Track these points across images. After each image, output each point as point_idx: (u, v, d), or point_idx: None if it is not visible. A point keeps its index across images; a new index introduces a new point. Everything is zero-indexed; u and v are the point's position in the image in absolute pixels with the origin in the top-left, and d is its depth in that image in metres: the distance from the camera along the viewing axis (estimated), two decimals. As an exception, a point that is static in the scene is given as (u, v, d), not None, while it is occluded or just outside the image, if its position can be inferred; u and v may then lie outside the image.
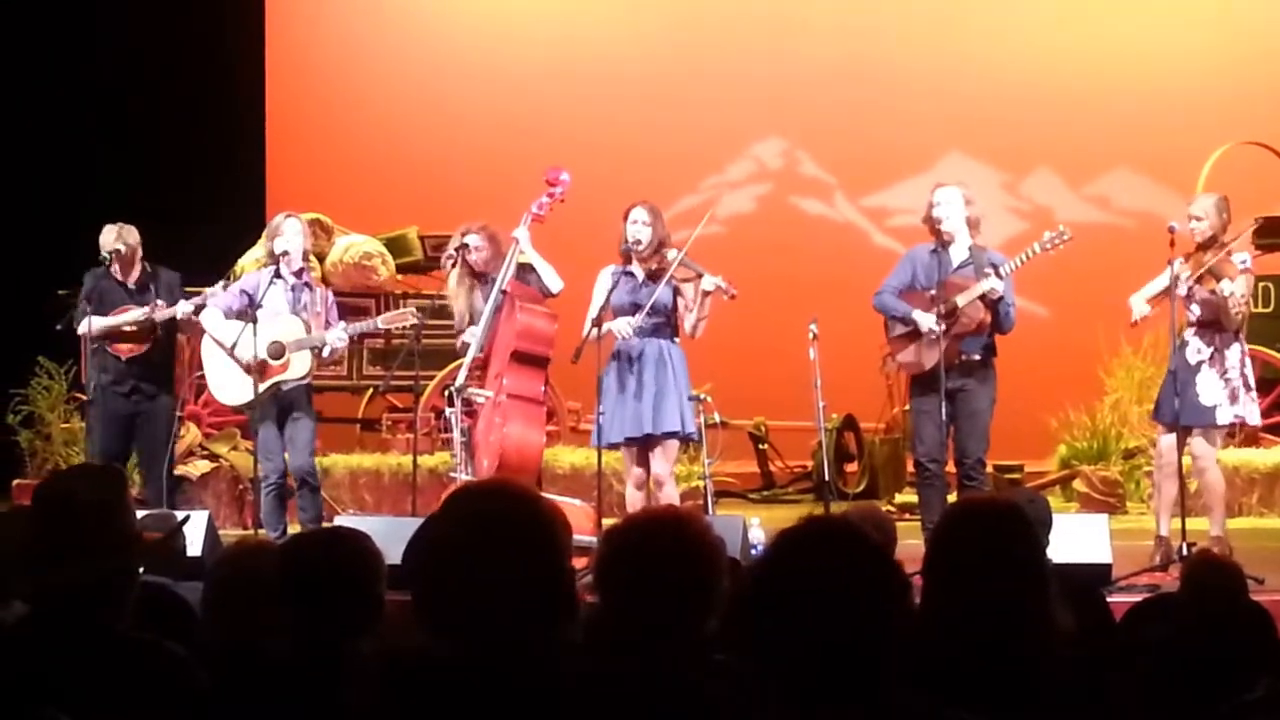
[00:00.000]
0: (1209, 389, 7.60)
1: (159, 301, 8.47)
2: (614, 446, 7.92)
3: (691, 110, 12.84)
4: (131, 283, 8.54)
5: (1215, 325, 7.63)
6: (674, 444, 7.88)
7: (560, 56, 13.01)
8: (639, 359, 7.78)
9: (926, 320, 7.65)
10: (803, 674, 2.31)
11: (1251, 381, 7.75)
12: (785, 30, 12.97)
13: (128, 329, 8.44)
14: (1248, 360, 7.78)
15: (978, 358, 7.72)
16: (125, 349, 8.49)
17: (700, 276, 7.73)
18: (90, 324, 8.34)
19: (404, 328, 8.69)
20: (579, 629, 2.60)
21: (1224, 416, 7.65)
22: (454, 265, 8.39)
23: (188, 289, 8.62)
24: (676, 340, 7.88)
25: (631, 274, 7.87)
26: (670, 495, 7.87)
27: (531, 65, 12.95)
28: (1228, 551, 7.06)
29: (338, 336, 8.25)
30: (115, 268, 8.49)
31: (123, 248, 8.47)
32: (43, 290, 9.94)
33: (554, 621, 2.47)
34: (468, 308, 8.30)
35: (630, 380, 7.76)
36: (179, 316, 8.43)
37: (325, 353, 8.30)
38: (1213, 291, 7.53)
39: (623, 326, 7.74)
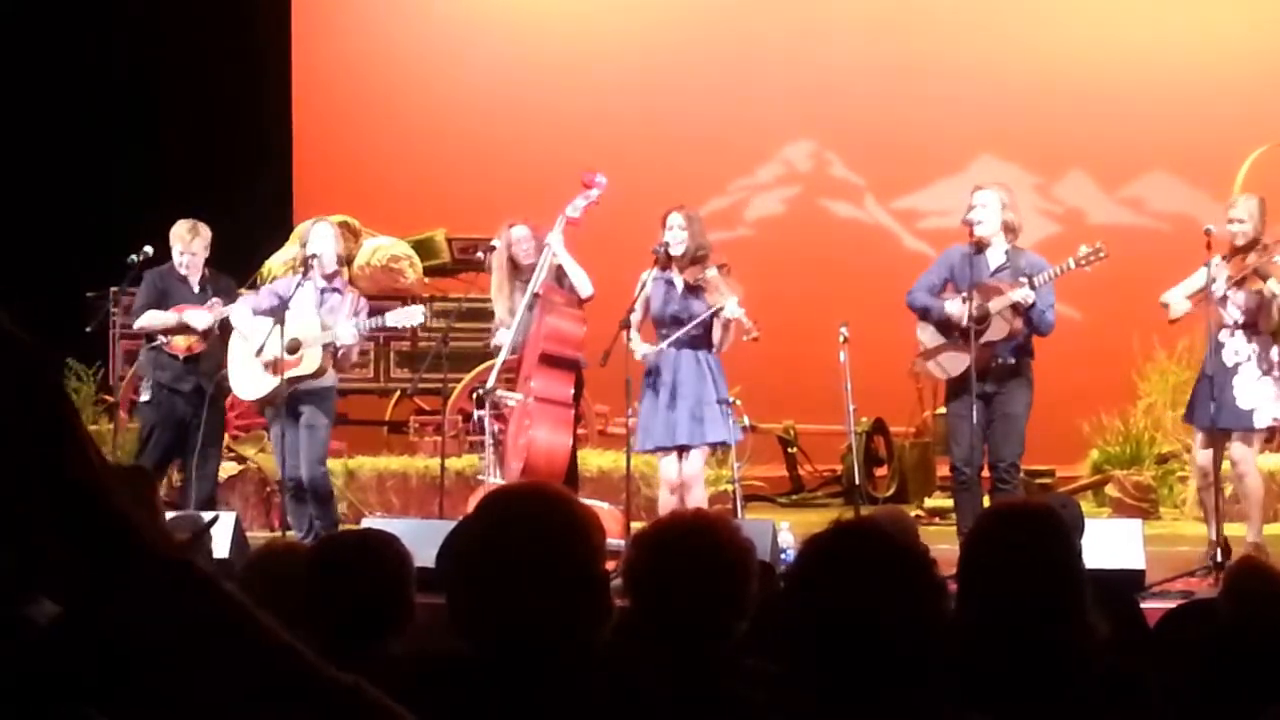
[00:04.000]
0: (1247, 392, 7.53)
1: (216, 300, 8.40)
2: (650, 451, 7.92)
3: (720, 112, 12.81)
4: (195, 283, 8.47)
5: (1254, 327, 7.57)
6: (705, 449, 7.88)
7: (589, 59, 13.00)
8: (676, 369, 7.75)
9: (957, 308, 7.58)
10: (834, 677, 2.28)
11: None
12: (815, 31, 12.94)
13: (191, 329, 8.30)
14: None
15: (1012, 361, 7.66)
16: (182, 347, 8.33)
17: (725, 306, 7.64)
18: (150, 319, 8.25)
19: (411, 327, 8.63)
20: (610, 632, 2.57)
21: (1262, 420, 7.59)
22: (491, 254, 8.32)
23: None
24: (714, 350, 7.86)
25: (672, 282, 7.84)
26: (698, 499, 7.84)
27: (560, 67, 12.94)
28: (1266, 558, 7.00)
29: (348, 332, 8.09)
30: (185, 265, 8.35)
31: (204, 243, 8.38)
32: (71, 292, 9.95)
33: (587, 625, 2.45)
34: (510, 306, 8.24)
35: (665, 390, 7.74)
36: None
37: (339, 350, 8.18)
38: (1258, 292, 7.47)
39: (645, 353, 7.74)
